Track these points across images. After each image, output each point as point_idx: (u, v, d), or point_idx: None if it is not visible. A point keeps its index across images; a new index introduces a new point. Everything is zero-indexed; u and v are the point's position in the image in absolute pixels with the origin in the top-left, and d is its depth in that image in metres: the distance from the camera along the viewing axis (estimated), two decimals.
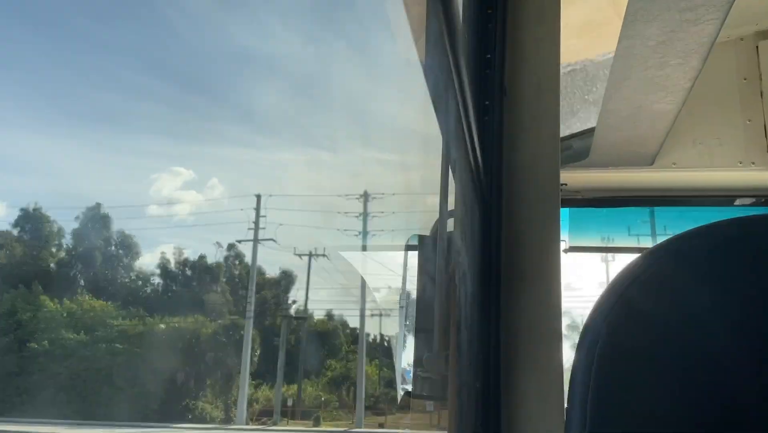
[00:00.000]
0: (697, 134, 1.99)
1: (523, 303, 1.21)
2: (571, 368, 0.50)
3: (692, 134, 1.99)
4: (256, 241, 33.39)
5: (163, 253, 42.62)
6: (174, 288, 39.99)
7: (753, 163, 1.93)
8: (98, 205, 40.51)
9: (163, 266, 40.66)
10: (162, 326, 32.69)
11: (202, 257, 39.82)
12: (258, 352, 32.57)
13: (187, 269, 40.49)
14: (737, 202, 2.16)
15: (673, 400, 0.42)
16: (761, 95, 1.91)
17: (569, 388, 0.50)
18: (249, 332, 30.33)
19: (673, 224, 2.45)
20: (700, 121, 1.98)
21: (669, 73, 1.60)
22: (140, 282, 41.32)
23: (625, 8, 1.35)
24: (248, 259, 35.06)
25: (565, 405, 0.56)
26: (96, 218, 40.61)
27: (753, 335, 0.40)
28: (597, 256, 2.60)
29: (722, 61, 1.93)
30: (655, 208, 2.42)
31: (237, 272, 39.46)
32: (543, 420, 1.21)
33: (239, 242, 37.07)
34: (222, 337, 32.28)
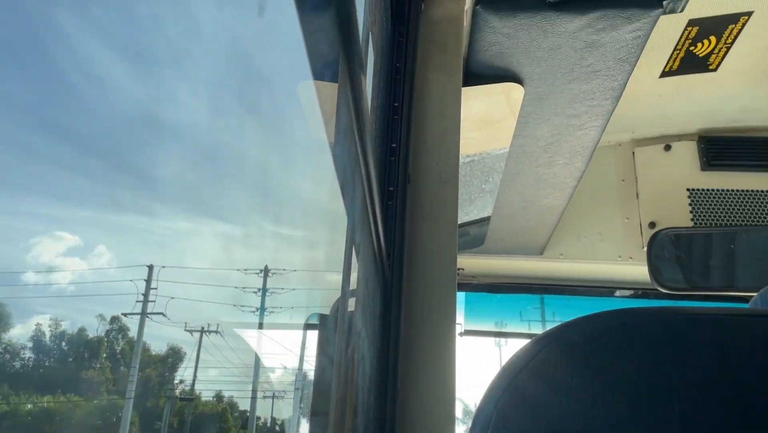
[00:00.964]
0: (581, 229, 2.14)
1: (419, 386, 1.22)
2: None
3: (577, 229, 2.14)
4: (144, 314, 31.55)
5: (38, 324, 39.29)
6: (47, 364, 36.67)
7: (630, 258, 2.09)
8: None
9: (37, 339, 37.38)
10: (29, 406, 29.65)
11: (81, 330, 37.01)
12: None
13: (63, 342, 37.42)
14: (617, 293, 2.31)
15: None
16: (637, 196, 2.09)
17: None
18: (128, 414, 28.09)
19: (561, 311, 2.58)
20: (583, 217, 2.14)
21: (556, 171, 1.73)
22: (8, 356, 37.59)
23: (519, 110, 1.47)
24: (134, 333, 32.95)
25: None
26: None
27: (628, 422, 0.43)
28: (490, 340, 2.65)
29: (603, 163, 2.12)
30: (545, 296, 2.55)
31: (119, 348, 36.87)
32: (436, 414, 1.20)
33: (125, 315, 34.84)
34: (97, 419, 29.66)
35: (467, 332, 2.53)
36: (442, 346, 1.25)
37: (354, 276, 1.17)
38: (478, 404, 0.51)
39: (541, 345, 0.49)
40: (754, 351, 0.44)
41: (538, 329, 2.61)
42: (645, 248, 1.99)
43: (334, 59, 0.77)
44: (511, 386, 0.48)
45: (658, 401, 0.43)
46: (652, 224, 2.03)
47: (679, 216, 2.03)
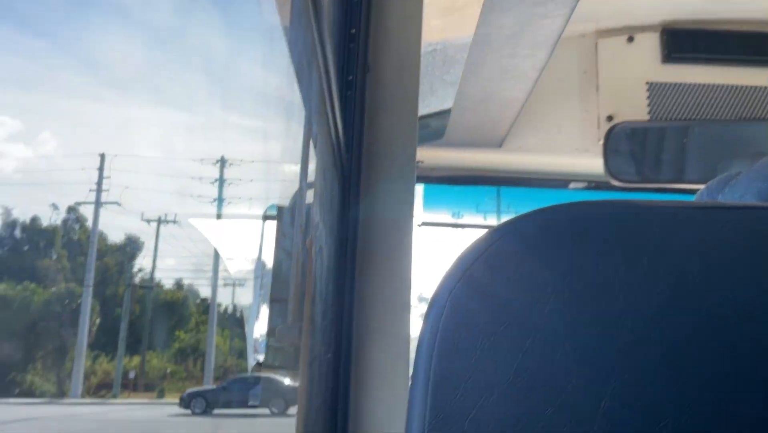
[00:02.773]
0: (540, 121, 2.14)
1: (376, 276, 1.25)
2: (417, 338, 0.53)
3: (536, 121, 2.14)
4: (98, 204, 31.13)
5: None
6: (0, 252, 36.27)
7: (587, 150, 2.12)
8: None
9: None
10: None
11: (34, 220, 36.40)
12: (97, 322, 30.60)
13: (16, 231, 36.84)
14: (571, 185, 2.36)
15: (507, 370, 0.45)
16: (597, 89, 2.09)
17: (415, 356, 0.52)
18: (87, 301, 28.36)
19: (517, 203, 2.64)
20: (543, 110, 2.13)
21: (519, 63, 1.70)
22: None
23: None
24: (90, 223, 32.62)
25: (410, 372, 0.58)
26: None
27: (576, 312, 0.45)
28: (447, 231, 2.72)
29: (565, 55, 2.09)
30: (501, 188, 2.59)
31: (76, 237, 36.56)
32: (390, 386, 1.25)
33: (79, 204, 34.34)
34: (56, 306, 29.89)
35: (425, 224, 2.57)
36: (400, 237, 1.27)
37: (312, 167, 1.16)
38: (432, 293, 0.52)
39: (496, 236, 0.49)
40: (695, 242, 0.46)
41: (493, 221, 2.68)
42: (601, 141, 2.01)
43: None
44: (465, 275, 0.49)
45: (604, 289, 0.45)
46: (609, 118, 2.05)
47: (637, 110, 2.04)
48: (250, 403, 19.88)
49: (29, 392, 27.30)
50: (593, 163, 2.11)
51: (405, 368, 1.26)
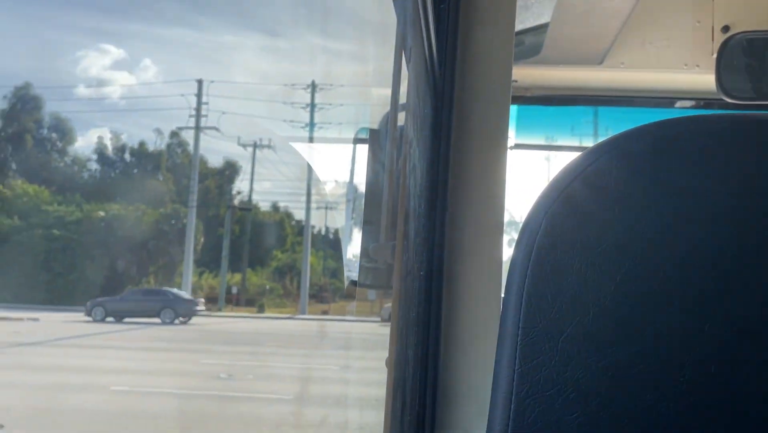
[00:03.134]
0: (646, 34, 2.00)
1: (468, 196, 1.22)
2: (510, 260, 0.53)
3: (642, 34, 2.00)
4: (198, 129, 32.46)
5: (99, 137, 40.91)
6: (112, 175, 38.89)
7: (697, 66, 1.97)
8: (28, 84, 38.04)
9: (100, 152, 39.25)
10: (101, 213, 32.04)
11: (142, 144, 38.57)
12: (201, 241, 32.58)
13: (126, 155, 39.26)
14: (678, 104, 2.21)
15: (605, 291, 0.44)
16: None
17: (507, 277, 0.52)
18: (192, 220, 30.16)
19: (615, 125, 2.51)
20: (650, 22, 1.98)
21: None
22: (76, 168, 39.90)
23: None
24: (191, 147, 34.20)
25: (502, 294, 0.58)
26: (25, 99, 38.30)
27: (680, 230, 0.43)
28: (541, 154, 2.65)
29: None
30: (599, 109, 2.46)
31: (179, 161, 38.52)
32: (481, 305, 1.24)
33: (180, 129, 35.95)
34: (164, 225, 32.01)
35: (518, 146, 2.51)
36: (494, 157, 1.25)
37: (404, 87, 1.15)
38: (526, 215, 0.52)
39: (596, 155, 0.48)
40: None
41: (589, 143, 2.57)
42: (714, 55, 1.85)
43: None
44: (563, 195, 0.48)
45: (712, 208, 0.43)
46: (725, 28, 1.87)
47: (758, 18, 1.86)
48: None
49: None
50: (703, 80, 1.96)
51: (497, 289, 1.25)
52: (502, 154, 1.25)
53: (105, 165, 39.39)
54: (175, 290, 25.52)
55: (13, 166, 37.99)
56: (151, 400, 8.04)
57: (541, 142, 2.55)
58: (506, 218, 1.33)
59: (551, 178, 0.51)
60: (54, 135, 39.53)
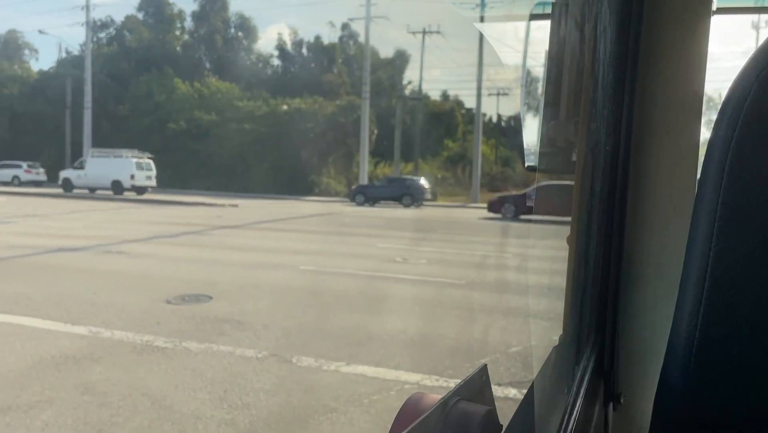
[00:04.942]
0: None
1: (663, 65, 1.11)
2: (708, 140, 0.47)
3: None
4: (368, 18, 32.56)
5: (279, 34, 42.80)
6: (292, 70, 40.87)
7: None
8: None
9: (281, 48, 41.22)
10: (284, 107, 34.17)
11: (317, 38, 39.78)
12: (375, 132, 33.61)
13: (303, 50, 40.83)
14: None
15: None
16: None
17: (707, 149, 0.48)
18: (366, 112, 31.05)
19: None
20: None
21: None
22: (260, 64, 42.47)
23: None
24: (362, 39, 34.61)
25: (698, 176, 0.54)
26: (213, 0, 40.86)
27: None
28: (747, 19, 2.30)
29: None
30: None
31: (352, 53, 39.30)
32: (674, 183, 1.17)
33: (351, 20, 36.35)
34: (340, 117, 33.38)
35: (721, 11, 2.19)
36: (693, 23, 1.11)
37: None
38: (731, 83, 0.45)
39: None
40: None
41: None
42: None
43: None
44: None
45: None
46: None
47: None
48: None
49: (326, 192, 31.99)
50: None
51: (693, 167, 1.16)
52: (703, 18, 1.11)
53: (285, 61, 41.44)
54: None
55: (207, 65, 41.38)
56: (333, 279, 8.78)
57: (749, 4, 2.20)
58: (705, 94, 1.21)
59: (763, 41, 0.45)
60: (240, 34, 42.10)
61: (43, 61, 58.98)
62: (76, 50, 40.52)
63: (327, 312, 6.76)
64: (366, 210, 23.71)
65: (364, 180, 30.43)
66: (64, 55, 41.89)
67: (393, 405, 4.09)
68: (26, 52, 45.67)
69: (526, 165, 1.34)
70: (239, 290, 7.78)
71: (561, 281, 1.13)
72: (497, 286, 8.70)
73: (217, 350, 5.19)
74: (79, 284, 7.92)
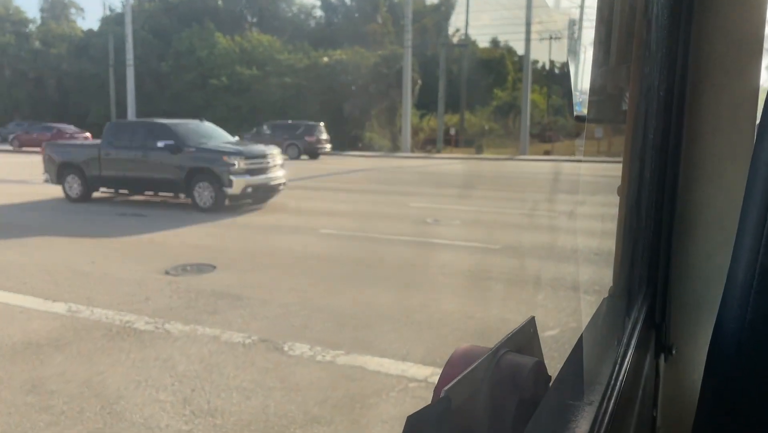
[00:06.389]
0: None
1: (721, 2, 1.05)
2: None
3: None
4: None
5: None
6: (335, 20, 39.59)
7: None
8: None
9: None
10: (325, 59, 33.14)
11: None
12: (419, 83, 32.28)
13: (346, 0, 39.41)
14: None
15: None
16: None
17: (766, 100, 0.48)
18: (408, 61, 29.74)
19: None
20: None
21: None
22: (302, 16, 41.32)
23: None
24: None
25: (758, 121, 0.52)
26: None
27: None
28: None
29: None
30: None
31: (397, 1, 37.66)
32: (731, 128, 1.10)
33: None
34: (383, 68, 32.15)
35: None
36: None
37: None
38: None
39: None
40: None
41: None
42: None
43: None
44: None
45: None
46: None
47: None
48: None
49: (369, 146, 31.09)
50: None
51: (752, 111, 1.08)
52: None
53: (328, 11, 40.16)
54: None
55: (248, 18, 40.53)
56: (354, 244, 8.04)
57: None
58: None
59: None
60: None
61: (89, 19, 59.10)
62: (119, 8, 40.29)
63: (337, 284, 6.02)
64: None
65: (407, 133, 29.33)
66: (108, 12, 41.76)
67: (389, 414, 3.33)
68: (72, 11, 45.86)
69: (574, 114, 1.02)
70: (248, 258, 7.14)
71: (612, 232, 1.06)
72: (538, 251, 7.75)
73: (201, 333, 4.54)
74: (80, 252, 7.44)
